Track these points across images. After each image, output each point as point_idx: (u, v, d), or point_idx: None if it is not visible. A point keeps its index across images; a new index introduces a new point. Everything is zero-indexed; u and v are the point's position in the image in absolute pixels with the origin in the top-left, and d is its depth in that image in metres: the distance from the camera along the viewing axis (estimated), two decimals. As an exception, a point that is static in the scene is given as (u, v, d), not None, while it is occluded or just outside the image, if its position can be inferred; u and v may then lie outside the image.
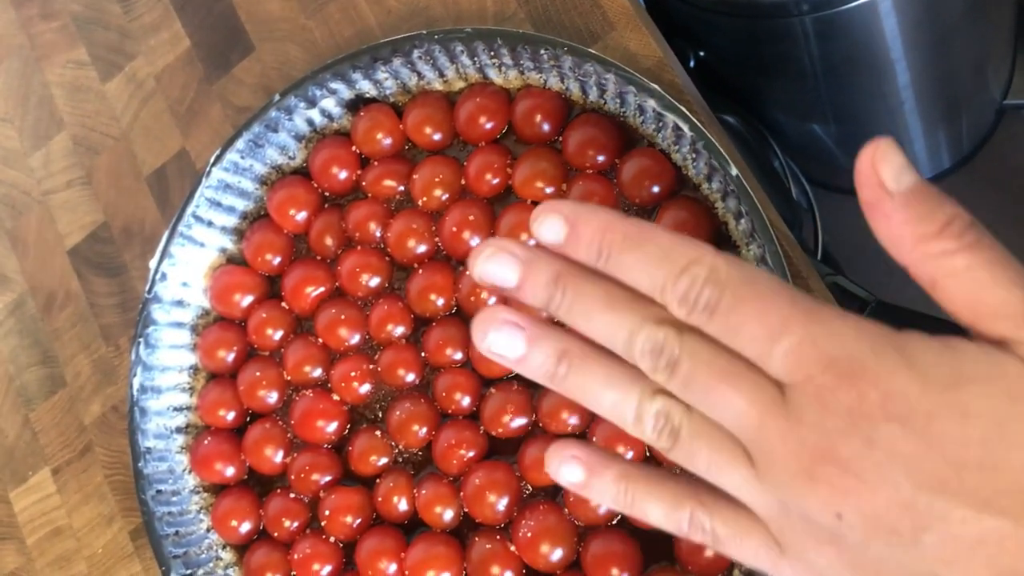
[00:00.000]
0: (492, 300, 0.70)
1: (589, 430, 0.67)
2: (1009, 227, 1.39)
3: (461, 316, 0.72)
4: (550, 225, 0.38)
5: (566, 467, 0.42)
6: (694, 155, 0.66)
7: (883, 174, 0.36)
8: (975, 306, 0.35)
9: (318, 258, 0.77)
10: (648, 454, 0.65)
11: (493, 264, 0.39)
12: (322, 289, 0.76)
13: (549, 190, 0.70)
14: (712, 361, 0.37)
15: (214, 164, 0.76)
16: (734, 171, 0.62)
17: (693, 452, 0.38)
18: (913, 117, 1.23)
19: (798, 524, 0.37)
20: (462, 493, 0.69)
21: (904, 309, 1.25)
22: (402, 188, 0.75)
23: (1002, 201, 1.43)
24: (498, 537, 0.68)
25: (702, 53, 1.11)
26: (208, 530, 0.76)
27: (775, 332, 0.35)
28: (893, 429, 0.34)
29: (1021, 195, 1.43)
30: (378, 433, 0.73)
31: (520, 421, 0.69)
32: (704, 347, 0.37)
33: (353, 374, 0.74)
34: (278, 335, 0.77)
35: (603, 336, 0.39)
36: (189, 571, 0.73)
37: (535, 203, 0.71)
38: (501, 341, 0.40)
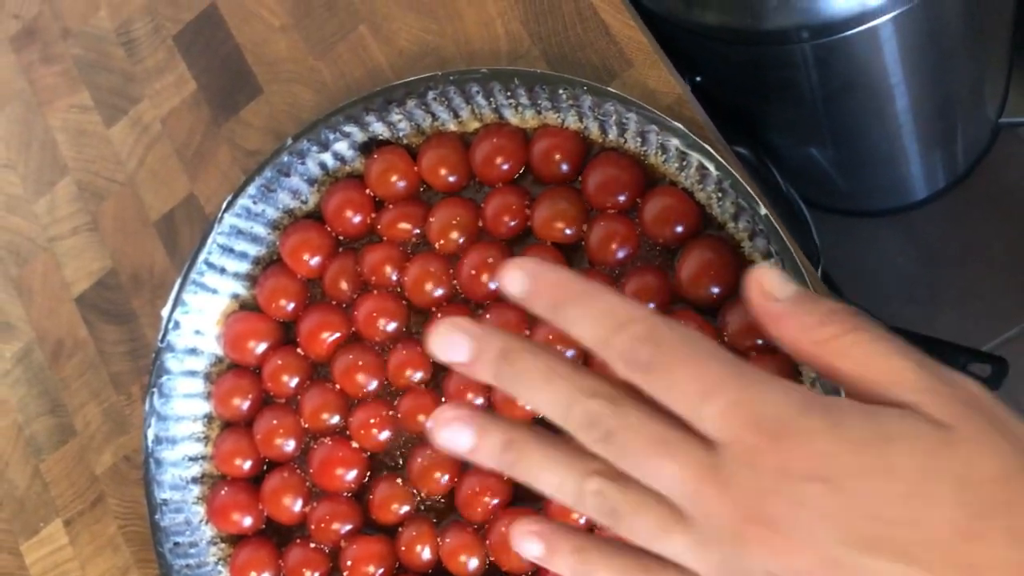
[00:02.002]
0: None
1: (617, 475, 0.66)
2: (1004, 244, 1.40)
3: (481, 359, 0.71)
4: (514, 279, 0.41)
5: (525, 543, 0.44)
6: (720, 194, 0.65)
7: (769, 287, 0.39)
8: (871, 380, 0.37)
9: (333, 303, 0.76)
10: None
11: (446, 341, 0.42)
12: (338, 334, 0.75)
13: (569, 231, 0.69)
14: (645, 430, 0.38)
15: (226, 210, 0.75)
16: (763, 211, 0.62)
17: (633, 527, 0.40)
18: (911, 139, 1.23)
19: None
20: (487, 541, 0.68)
21: (906, 331, 1.25)
22: (418, 231, 0.74)
23: (998, 219, 1.43)
24: (526, 586, 0.67)
25: (699, 78, 1.11)
26: (227, 582, 0.75)
27: (707, 392, 0.37)
28: (819, 488, 0.35)
29: (1017, 212, 1.44)
30: (399, 480, 0.72)
31: (545, 466, 0.68)
32: (637, 416, 0.39)
33: (372, 420, 0.73)
34: (294, 382, 0.76)
35: (544, 409, 0.41)
36: (209, 626, 0.72)
37: (555, 244, 0.70)
38: (453, 437, 0.43)
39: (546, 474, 0.41)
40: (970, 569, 0.34)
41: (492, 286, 0.71)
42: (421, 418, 0.71)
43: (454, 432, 0.42)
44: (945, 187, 1.45)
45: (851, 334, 0.38)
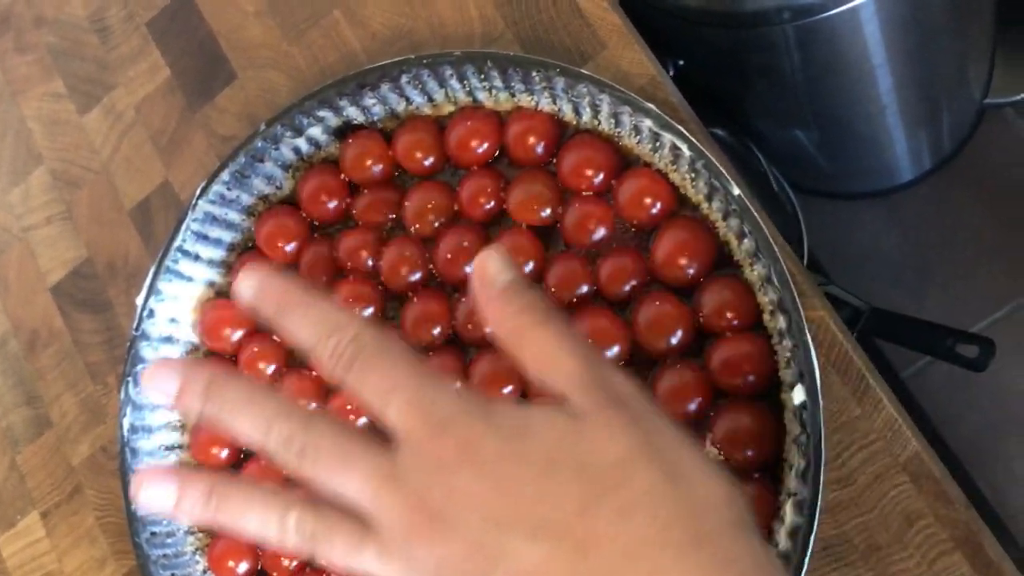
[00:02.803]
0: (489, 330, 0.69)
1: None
2: (991, 226, 1.40)
3: (458, 344, 0.71)
4: (245, 285, 0.44)
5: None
6: (693, 174, 0.65)
7: (488, 270, 0.43)
8: (540, 369, 0.42)
9: (309, 289, 0.75)
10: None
11: (156, 380, 0.44)
12: (314, 321, 0.74)
13: (545, 213, 0.69)
14: (333, 444, 0.41)
15: (200, 196, 0.74)
16: (736, 191, 0.61)
17: (330, 547, 0.41)
18: (895, 120, 1.22)
19: None
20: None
21: (897, 315, 1.25)
22: (393, 215, 0.74)
23: (984, 200, 1.43)
24: None
25: (681, 62, 1.10)
26: (205, 572, 0.74)
27: (392, 388, 0.41)
28: (468, 474, 0.39)
29: (1002, 193, 1.43)
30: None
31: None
32: (328, 431, 0.41)
33: (349, 407, 0.72)
34: (271, 369, 0.75)
35: (248, 433, 0.42)
36: (187, 615, 0.72)
37: (531, 227, 0.70)
38: (154, 495, 0.44)
39: (250, 514, 0.43)
40: (586, 543, 0.37)
41: (468, 269, 0.70)
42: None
43: (156, 489, 0.44)
44: (931, 169, 1.45)
45: (536, 327, 0.42)
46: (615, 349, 0.66)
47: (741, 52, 1.05)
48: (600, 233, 0.68)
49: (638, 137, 0.67)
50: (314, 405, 0.73)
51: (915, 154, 1.40)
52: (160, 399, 0.44)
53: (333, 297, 0.49)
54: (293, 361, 0.75)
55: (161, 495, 0.43)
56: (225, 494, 0.43)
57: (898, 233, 1.47)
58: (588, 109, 0.68)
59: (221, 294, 0.78)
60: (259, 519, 0.42)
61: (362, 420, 0.72)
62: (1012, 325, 1.39)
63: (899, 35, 1.03)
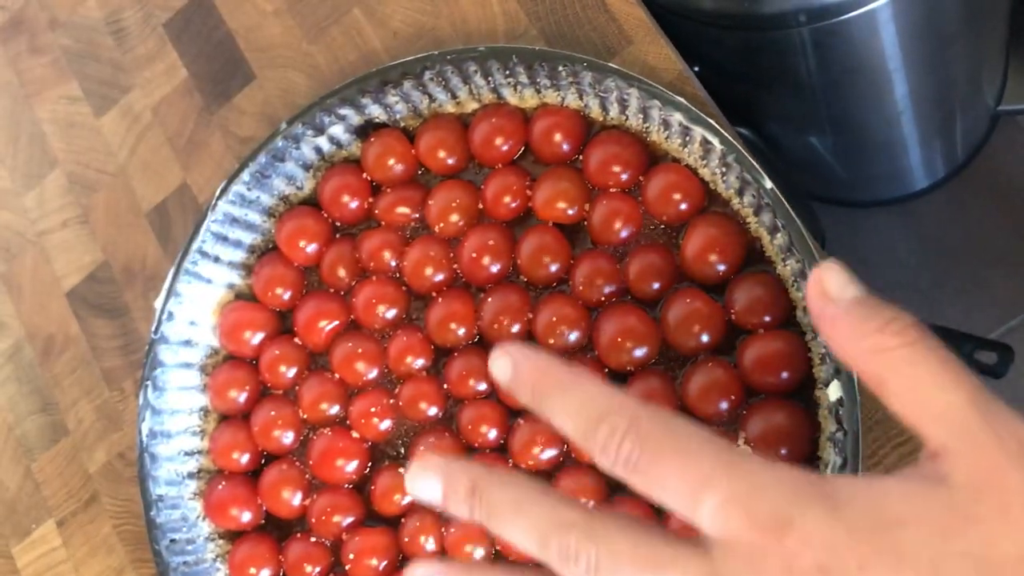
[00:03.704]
0: (516, 328, 0.68)
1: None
2: (1006, 233, 1.39)
3: (483, 345, 0.70)
4: (500, 366, 0.41)
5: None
6: (724, 169, 0.63)
7: (828, 285, 0.38)
8: (917, 407, 0.35)
9: (331, 291, 0.74)
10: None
11: (419, 482, 0.41)
12: (336, 323, 0.73)
13: (571, 211, 0.68)
14: (632, 554, 0.36)
15: (219, 197, 0.73)
16: (769, 184, 0.60)
17: None
18: (910, 127, 1.22)
19: None
20: (493, 530, 0.66)
21: (916, 321, 1.24)
22: (417, 215, 0.73)
23: (999, 208, 1.42)
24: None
25: (696, 68, 1.09)
26: (226, 579, 0.73)
27: (698, 489, 0.35)
28: None
29: (1017, 201, 1.42)
30: (401, 470, 0.70)
31: (551, 452, 0.66)
32: (619, 536, 0.37)
33: (373, 410, 0.71)
34: (292, 372, 0.74)
35: (520, 543, 0.39)
36: (208, 623, 0.70)
37: (557, 225, 0.69)
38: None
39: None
40: None
41: (493, 269, 0.69)
42: (423, 405, 0.70)
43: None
44: (945, 176, 1.44)
45: (906, 348, 0.35)
46: (645, 349, 0.65)
47: (757, 56, 1.04)
48: (628, 230, 0.67)
49: (667, 132, 0.66)
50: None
51: (929, 161, 1.39)
52: (422, 499, 0.42)
53: (596, 376, 0.42)
54: (315, 364, 0.74)
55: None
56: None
57: (913, 241, 1.46)
58: (616, 104, 0.67)
59: (241, 296, 0.77)
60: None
61: (386, 422, 0.71)
62: (1029, 333, 1.38)
63: (915, 40, 1.02)
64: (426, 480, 0.41)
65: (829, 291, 0.38)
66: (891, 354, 0.35)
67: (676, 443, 0.36)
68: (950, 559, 0.32)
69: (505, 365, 0.40)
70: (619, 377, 0.66)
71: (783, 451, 0.60)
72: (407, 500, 0.70)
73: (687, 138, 0.65)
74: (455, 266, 0.71)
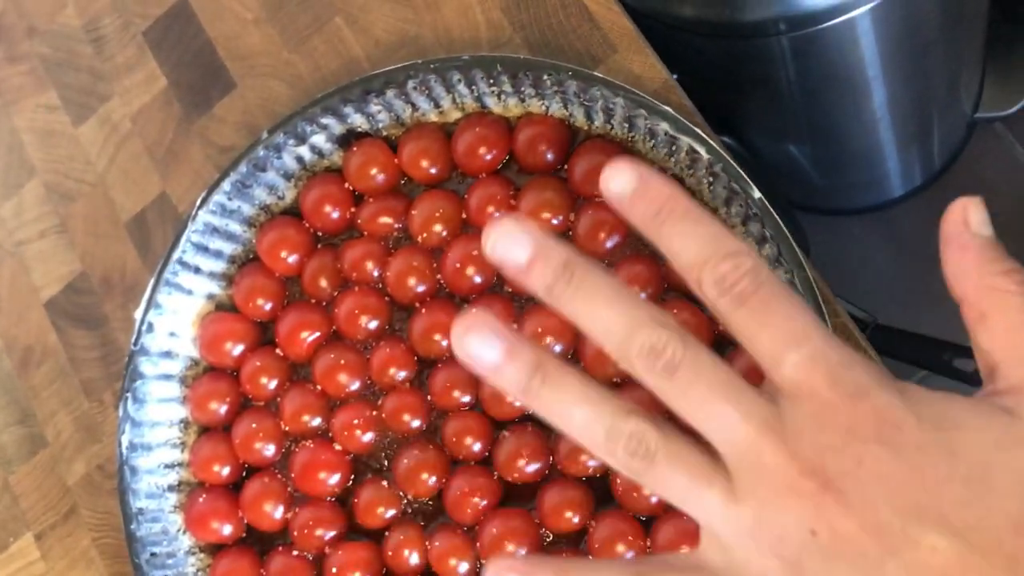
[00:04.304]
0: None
1: (611, 472, 0.64)
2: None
3: (467, 356, 0.69)
4: (624, 177, 0.39)
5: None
6: (711, 179, 0.63)
7: (971, 217, 0.40)
8: (1009, 346, 0.38)
9: (312, 301, 0.74)
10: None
11: (506, 240, 0.39)
12: (318, 334, 0.73)
13: (556, 220, 0.68)
14: (713, 373, 0.37)
15: (200, 207, 0.73)
16: (757, 194, 0.60)
17: (668, 476, 0.38)
18: (888, 134, 1.22)
19: (765, 546, 0.37)
20: (478, 544, 0.66)
21: (895, 329, 1.24)
22: (399, 225, 0.72)
23: (976, 215, 1.42)
24: (518, 588, 0.64)
25: (675, 75, 1.10)
26: (207, 593, 0.72)
27: (794, 339, 0.37)
28: (883, 452, 0.35)
29: (993, 207, 1.42)
30: (385, 483, 0.69)
31: (536, 465, 0.66)
32: (706, 357, 0.38)
33: (355, 422, 0.70)
34: (273, 384, 0.73)
35: (600, 330, 0.38)
36: (189, 638, 0.69)
37: (542, 235, 0.68)
38: (478, 345, 0.39)
39: (576, 406, 0.38)
40: (1016, 563, 0.34)
41: (477, 280, 0.69)
42: (406, 417, 0.69)
43: (484, 341, 0.39)
44: (922, 184, 1.45)
45: (1020, 297, 0.38)
46: (630, 359, 0.64)
47: (736, 64, 1.05)
48: (613, 240, 0.66)
49: (653, 141, 0.65)
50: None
51: (907, 169, 1.40)
52: (504, 257, 0.39)
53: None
54: (297, 375, 0.74)
55: (486, 349, 0.38)
56: (554, 376, 0.38)
57: (892, 248, 1.47)
58: (601, 113, 0.66)
59: (221, 307, 0.76)
60: (587, 417, 0.38)
61: (368, 435, 0.70)
62: (1007, 340, 1.38)
63: (894, 48, 1.02)
64: (515, 242, 0.39)
65: (970, 221, 0.39)
66: (1005, 296, 0.38)
67: (786, 298, 0.37)
68: (998, 466, 0.35)
69: (630, 178, 0.39)
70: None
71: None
72: (390, 514, 0.69)
73: (673, 148, 0.64)
74: (439, 276, 0.70)
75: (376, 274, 0.72)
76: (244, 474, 0.74)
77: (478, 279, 0.69)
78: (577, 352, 0.66)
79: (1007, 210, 1.41)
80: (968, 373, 1.21)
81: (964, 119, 1.41)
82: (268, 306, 0.74)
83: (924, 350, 1.22)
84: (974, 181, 1.45)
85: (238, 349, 0.74)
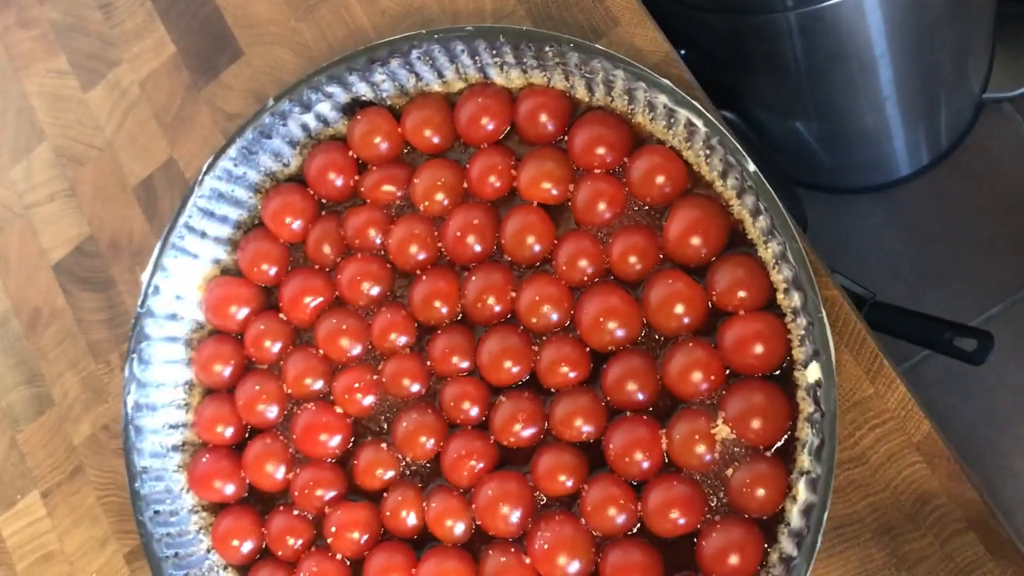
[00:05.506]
0: (499, 306, 0.69)
1: (604, 438, 0.65)
2: (988, 222, 1.39)
3: (466, 323, 0.70)
4: None
5: None
6: (708, 151, 0.64)
7: None
8: None
9: (316, 267, 0.75)
10: (666, 460, 0.64)
11: None
12: (321, 299, 0.74)
13: (555, 191, 0.69)
14: None
15: (206, 172, 0.74)
16: (752, 167, 0.61)
17: None
18: (895, 113, 1.22)
19: None
20: (473, 505, 0.67)
21: (896, 307, 1.25)
22: (401, 193, 0.73)
23: (981, 196, 1.43)
24: (512, 550, 0.66)
25: (683, 52, 1.10)
26: (208, 551, 0.73)
27: None
28: None
29: (999, 190, 1.43)
30: (384, 446, 0.71)
31: (531, 430, 0.67)
32: None
33: (356, 386, 0.72)
34: (276, 347, 0.74)
35: None
36: (191, 594, 0.71)
37: (541, 205, 0.69)
38: None
39: None
40: None
41: (477, 248, 0.70)
42: (406, 382, 0.70)
43: None
44: (928, 163, 1.44)
45: None
46: (626, 329, 0.65)
47: (744, 40, 1.05)
48: (611, 211, 0.67)
49: (652, 114, 0.66)
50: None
51: (913, 148, 1.40)
52: None
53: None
54: (299, 339, 0.75)
55: None
56: None
57: (896, 228, 1.47)
58: (601, 86, 0.67)
59: (227, 271, 0.77)
60: None
61: (369, 398, 0.71)
62: (1008, 321, 1.39)
63: (901, 25, 1.02)
64: None
65: None
66: None
67: None
68: None
69: None
70: (600, 357, 0.66)
71: (761, 431, 0.61)
72: (389, 475, 0.70)
73: (672, 120, 0.65)
74: (439, 244, 0.71)
75: (378, 241, 0.73)
76: (247, 435, 0.75)
77: (478, 247, 0.70)
78: (574, 320, 0.67)
79: (1014, 192, 1.41)
80: (968, 352, 1.22)
81: (972, 99, 1.41)
82: (272, 271, 0.75)
83: (924, 328, 1.23)
84: (981, 162, 1.45)
85: (242, 313, 0.76)
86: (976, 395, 1.37)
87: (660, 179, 0.66)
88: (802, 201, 1.13)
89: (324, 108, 0.74)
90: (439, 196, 0.71)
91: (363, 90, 0.73)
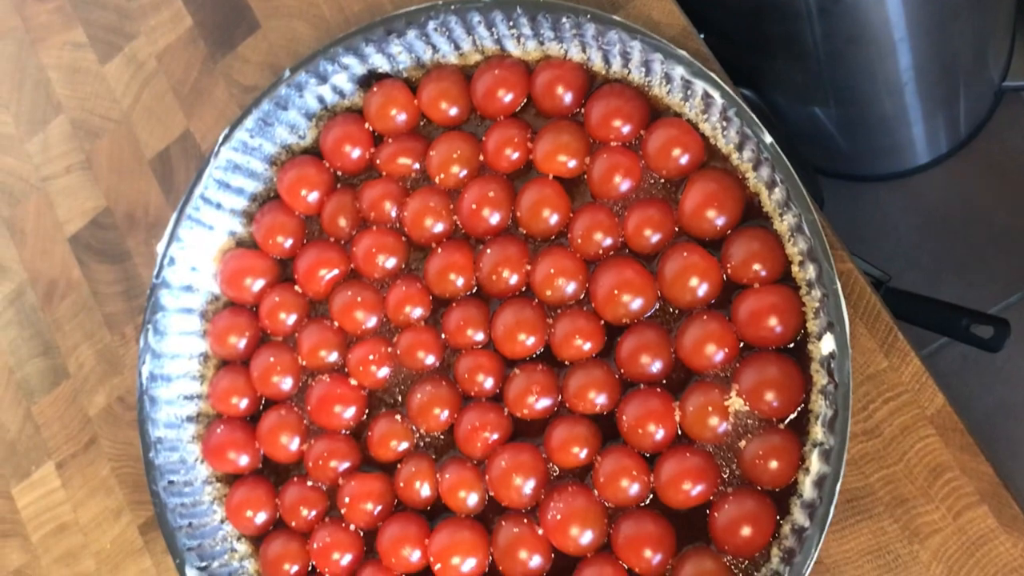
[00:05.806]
0: (514, 279, 0.68)
1: (618, 410, 0.65)
2: (1006, 210, 1.39)
3: (481, 296, 0.70)
4: None
5: None
6: (724, 124, 0.64)
7: None
8: None
9: (331, 239, 0.75)
10: (680, 432, 0.63)
11: None
12: (336, 271, 0.74)
13: (572, 164, 0.68)
14: None
15: (223, 143, 0.74)
16: (768, 139, 0.61)
17: None
18: (913, 100, 1.21)
19: None
20: (487, 477, 0.67)
21: (913, 294, 1.24)
22: (417, 166, 0.73)
23: (1000, 185, 1.42)
24: (525, 521, 0.66)
25: (702, 35, 1.10)
26: (222, 521, 0.74)
27: None
28: None
29: (1018, 178, 1.42)
30: (398, 417, 0.71)
31: (545, 402, 0.67)
32: None
33: (371, 357, 0.72)
34: (291, 319, 0.75)
35: None
36: (204, 563, 0.71)
37: (557, 178, 0.69)
38: None
39: None
40: None
41: (493, 221, 0.70)
42: (420, 354, 0.70)
43: None
44: (947, 152, 1.44)
45: None
46: (641, 301, 0.65)
47: (763, 23, 1.04)
48: (627, 184, 0.67)
49: (669, 86, 0.66)
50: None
51: (932, 136, 1.39)
52: None
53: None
54: (314, 312, 0.75)
55: None
56: None
57: (914, 216, 1.46)
58: (618, 57, 0.67)
59: (242, 244, 0.77)
60: None
61: (383, 370, 0.71)
62: (1025, 309, 1.38)
63: (921, 11, 1.02)
64: None
65: None
66: None
67: None
68: None
69: None
70: (615, 329, 0.66)
71: (775, 403, 0.61)
72: (403, 447, 0.70)
73: (688, 92, 0.65)
74: (455, 217, 0.71)
75: (394, 214, 0.73)
76: (261, 407, 0.75)
77: (494, 220, 0.70)
78: (589, 292, 0.67)
79: (1032, 179, 1.40)
80: (986, 340, 1.21)
81: (992, 87, 1.40)
82: (288, 243, 0.75)
83: (941, 315, 1.22)
84: (1000, 150, 1.44)
85: (258, 285, 0.76)
86: (992, 383, 1.37)
87: (676, 152, 0.66)
88: (818, 177, 1.13)
89: (340, 80, 0.74)
90: (455, 169, 0.71)
91: (379, 62, 0.73)
